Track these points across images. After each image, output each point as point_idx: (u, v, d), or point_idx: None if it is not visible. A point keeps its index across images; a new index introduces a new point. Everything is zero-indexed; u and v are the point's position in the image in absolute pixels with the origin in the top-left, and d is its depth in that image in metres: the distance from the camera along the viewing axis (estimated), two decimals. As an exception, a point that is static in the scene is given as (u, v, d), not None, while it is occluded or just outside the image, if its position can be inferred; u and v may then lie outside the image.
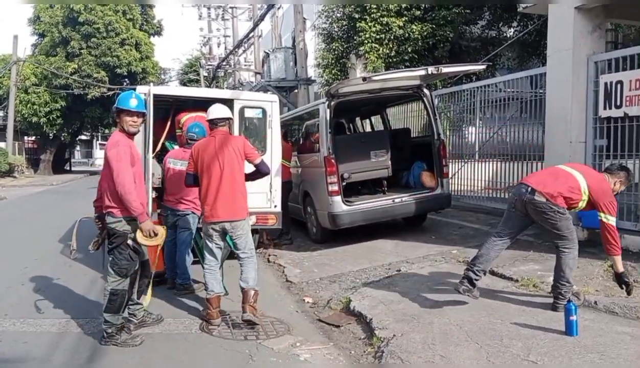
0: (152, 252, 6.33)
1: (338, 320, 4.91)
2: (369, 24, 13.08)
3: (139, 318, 4.70)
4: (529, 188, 4.51)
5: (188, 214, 5.98)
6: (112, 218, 4.32)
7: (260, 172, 5.01)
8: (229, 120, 5.04)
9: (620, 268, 4.54)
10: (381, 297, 5.17)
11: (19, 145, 34.18)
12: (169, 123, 7.43)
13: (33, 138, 36.36)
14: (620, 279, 4.61)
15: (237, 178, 4.79)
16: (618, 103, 6.21)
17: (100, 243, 4.78)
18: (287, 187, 8.03)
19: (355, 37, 13.73)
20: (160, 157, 6.77)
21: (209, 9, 32.49)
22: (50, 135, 33.28)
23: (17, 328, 4.82)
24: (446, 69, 7.20)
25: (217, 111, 4.99)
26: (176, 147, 6.79)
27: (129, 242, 4.30)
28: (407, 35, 12.92)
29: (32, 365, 4.03)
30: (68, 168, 41.45)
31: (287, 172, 8.12)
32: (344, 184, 7.73)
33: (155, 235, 4.32)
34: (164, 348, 4.36)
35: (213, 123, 4.97)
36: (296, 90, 18.76)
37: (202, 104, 7.42)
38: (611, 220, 4.40)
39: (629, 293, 4.62)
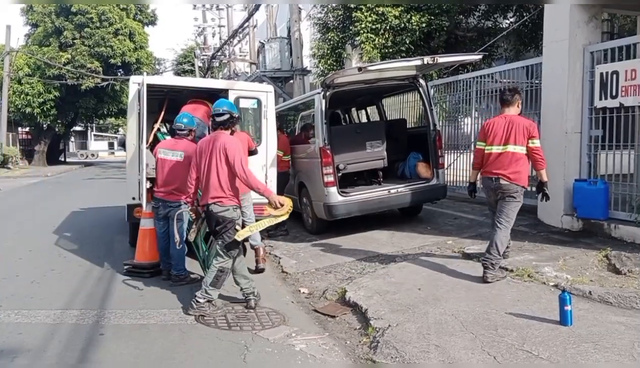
0: (144, 241, 6.36)
1: (334, 311, 4.91)
2: (365, 13, 13.00)
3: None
4: None
5: (180, 205, 5.95)
6: (221, 207, 4.80)
7: None
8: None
9: (545, 179, 5.21)
10: (377, 288, 5.18)
11: (13, 136, 34.00)
12: (162, 113, 7.39)
13: (27, 129, 36.21)
14: (543, 186, 5.23)
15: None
16: (614, 93, 6.21)
17: (197, 231, 5.24)
18: (283, 178, 8.01)
19: (351, 27, 13.66)
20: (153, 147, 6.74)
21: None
22: (44, 126, 33.12)
23: (12, 320, 4.81)
24: (442, 59, 7.16)
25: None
26: (167, 137, 6.75)
27: (237, 227, 4.84)
28: (403, 25, 12.85)
29: (27, 356, 4.02)
30: (63, 159, 41.28)
31: (283, 164, 8.10)
32: (340, 174, 7.72)
33: (282, 205, 4.83)
34: (159, 338, 4.36)
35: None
36: (291, 81, 18.72)
37: (198, 94, 7.41)
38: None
39: (546, 198, 5.27)
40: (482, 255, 5.27)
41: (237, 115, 5.22)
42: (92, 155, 55.57)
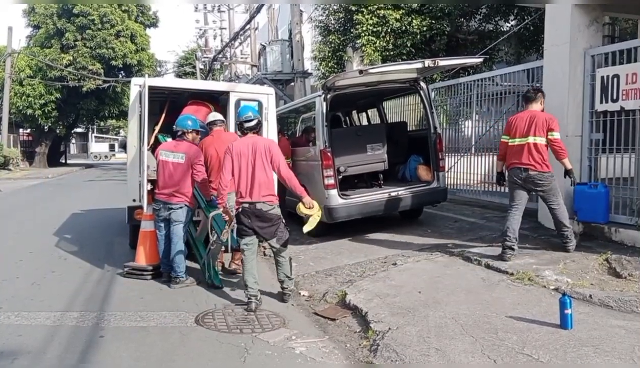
0: (145, 244, 6.36)
1: (334, 314, 4.91)
2: (366, 16, 13.03)
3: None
4: None
5: (181, 207, 5.95)
6: (270, 205, 5.14)
7: None
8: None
9: (569, 166, 5.75)
10: (377, 291, 5.17)
11: (14, 137, 34.05)
12: (163, 115, 7.40)
13: (28, 130, 36.26)
14: (568, 173, 5.79)
15: None
16: (614, 97, 6.20)
17: (230, 232, 5.54)
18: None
19: (352, 30, 13.69)
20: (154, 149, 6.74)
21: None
22: (46, 127, 33.16)
23: (12, 322, 4.81)
24: (443, 62, 7.17)
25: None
26: (169, 139, 6.76)
27: (283, 220, 5.30)
28: (404, 28, 12.87)
29: (26, 358, 4.01)
30: (63, 161, 41.32)
31: None
32: (340, 177, 7.72)
33: (312, 207, 5.28)
34: (159, 341, 4.35)
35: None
36: (292, 83, 18.72)
37: (199, 96, 7.42)
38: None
39: (573, 183, 5.93)
40: (561, 236, 5.90)
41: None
42: (106, 156, 55.88)
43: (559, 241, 6.01)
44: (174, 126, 6.27)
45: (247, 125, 5.31)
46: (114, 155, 57.93)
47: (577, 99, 6.71)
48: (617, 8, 7.45)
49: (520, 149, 5.76)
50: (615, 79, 6.19)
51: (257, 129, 5.38)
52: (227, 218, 5.39)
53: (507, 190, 8.91)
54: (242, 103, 7.10)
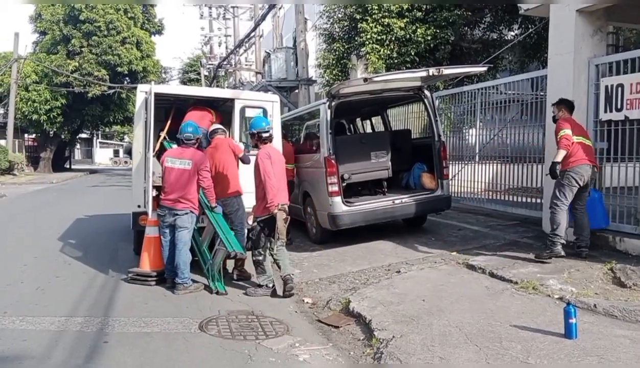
0: (149, 249, 6.38)
1: (337, 321, 4.91)
2: (370, 24, 13.08)
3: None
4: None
5: (187, 213, 5.98)
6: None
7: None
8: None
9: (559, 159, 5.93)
10: (380, 298, 5.17)
11: (19, 142, 34.20)
12: (168, 121, 7.44)
13: (33, 136, 36.38)
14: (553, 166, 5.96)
15: None
16: (619, 106, 6.21)
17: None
18: (288, 188, 8.03)
19: (356, 38, 13.74)
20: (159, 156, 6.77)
21: (210, 8, 32.49)
22: (51, 133, 33.28)
23: (17, 326, 4.82)
24: (447, 71, 7.20)
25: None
26: (174, 146, 6.79)
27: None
28: (408, 36, 12.91)
29: (31, 363, 4.03)
30: (68, 166, 41.46)
31: (287, 173, 8.11)
32: (344, 184, 7.73)
33: None
34: (163, 346, 4.36)
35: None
36: (297, 91, 18.76)
37: (203, 103, 7.46)
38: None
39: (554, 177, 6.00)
40: (581, 241, 6.15)
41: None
42: (125, 161, 55.96)
43: (572, 250, 6.14)
44: (178, 134, 6.32)
45: (264, 135, 5.89)
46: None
47: (581, 108, 6.71)
48: (621, 17, 7.47)
49: (589, 148, 6.04)
50: (619, 89, 6.20)
51: (271, 139, 6.00)
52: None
53: (511, 198, 8.98)
54: (247, 110, 7.15)
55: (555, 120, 6.25)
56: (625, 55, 6.41)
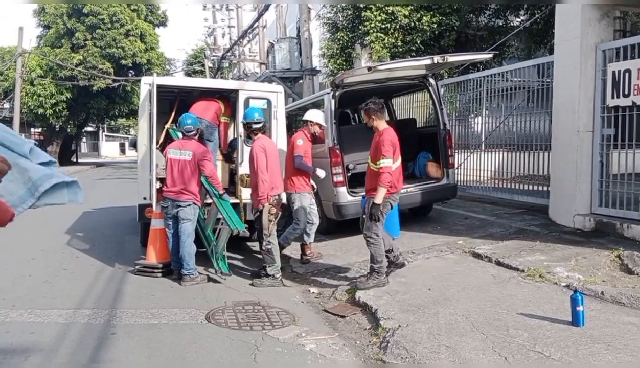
0: (155, 241, 6.42)
1: (343, 311, 4.91)
2: (374, 13, 12.97)
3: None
4: None
5: (189, 205, 5.99)
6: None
7: None
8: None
9: (379, 201, 5.08)
10: (386, 288, 5.17)
11: (25, 137, 34.23)
12: (173, 113, 7.44)
13: (39, 130, 36.54)
14: (375, 209, 5.12)
15: None
16: (626, 92, 6.14)
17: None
18: None
19: (360, 27, 13.63)
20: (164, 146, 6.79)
21: (213, -2, 32.36)
22: (57, 127, 33.41)
23: (25, 319, 4.86)
24: (452, 58, 7.13)
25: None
26: (180, 134, 6.80)
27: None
28: (413, 24, 12.81)
29: (39, 355, 4.06)
30: (75, 160, 41.64)
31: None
32: (349, 174, 7.71)
33: None
34: (170, 338, 4.38)
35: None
36: (301, 81, 18.68)
37: (208, 95, 7.45)
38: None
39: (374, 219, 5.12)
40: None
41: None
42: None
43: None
44: (178, 127, 6.36)
45: (255, 126, 5.96)
46: None
47: (588, 94, 6.65)
48: (628, 2, 7.36)
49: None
50: (626, 74, 6.13)
51: (265, 129, 6.06)
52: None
53: (517, 186, 8.93)
54: (252, 101, 7.13)
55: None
56: (632, 40, 6.32)
